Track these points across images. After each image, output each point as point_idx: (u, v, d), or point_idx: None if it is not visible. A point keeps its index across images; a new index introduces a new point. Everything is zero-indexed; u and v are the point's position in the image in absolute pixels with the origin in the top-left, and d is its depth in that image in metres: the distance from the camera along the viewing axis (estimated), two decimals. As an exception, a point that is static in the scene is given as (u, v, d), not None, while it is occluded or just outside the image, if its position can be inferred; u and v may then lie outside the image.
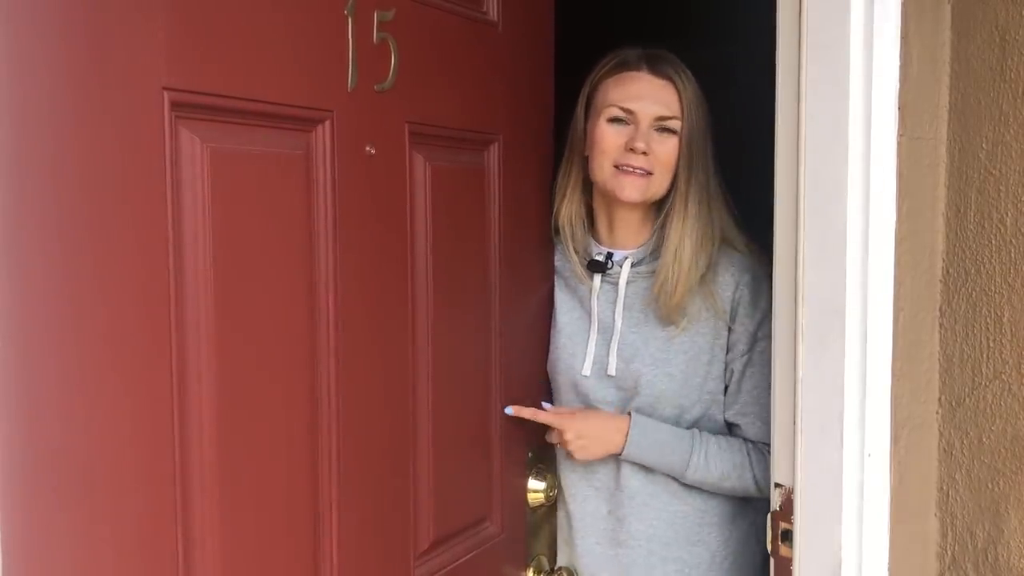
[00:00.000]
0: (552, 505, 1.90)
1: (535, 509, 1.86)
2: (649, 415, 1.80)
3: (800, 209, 1.32)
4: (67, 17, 0.93)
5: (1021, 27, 1.25)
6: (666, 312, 1.77)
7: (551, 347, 1.88)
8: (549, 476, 1.86)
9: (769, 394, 1.73)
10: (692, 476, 1.78)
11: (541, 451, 1.86)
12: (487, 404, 1.70)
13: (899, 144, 1.29)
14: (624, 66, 1.79)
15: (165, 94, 1.03)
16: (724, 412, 1.83)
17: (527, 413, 1.77)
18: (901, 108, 1.29)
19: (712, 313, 1.79)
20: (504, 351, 1.72)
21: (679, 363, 1.79)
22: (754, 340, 1.79)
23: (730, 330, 1.79)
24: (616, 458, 1.81)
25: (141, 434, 1.03)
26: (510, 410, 1.75)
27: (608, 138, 1.76)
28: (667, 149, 1.75)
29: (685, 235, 1.76)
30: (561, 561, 1.93)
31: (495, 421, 1.71)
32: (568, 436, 1.78)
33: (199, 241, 1.10)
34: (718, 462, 1.77)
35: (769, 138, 1.36)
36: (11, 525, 0.90)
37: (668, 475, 1.81)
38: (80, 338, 0.96)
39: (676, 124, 1.75)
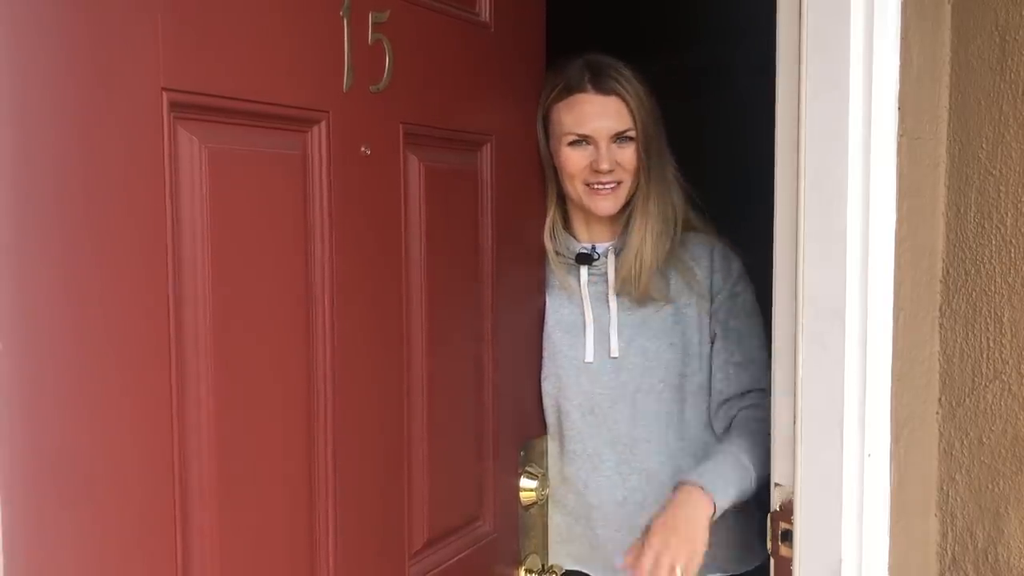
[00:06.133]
0: (544, 503, 1.90)
1: (527, 508, 1.86)
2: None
3: (800, 209, 1.31)
4: (67, 18, 0.93)
5: (1021, 27, 1.25)
6: (639, 296, 1.87)
7: (548, 344, 1.91)
8: (541, 475, 1.87)
9: (752, 341, 1.87)
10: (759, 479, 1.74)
11: (532, 450, 1.87)
12: (480, 403, 1.70)
13: (899, 144, 1.29)
14: (570, 90, 1.82)
15: (164, 95, 1.03)
16: (712, 362, 1.88)
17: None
18: (901, 108, 1.28)
19: (692, 289, 1.88)
20: (498, 349, 1.73)
21: (678, 332, 1.87)
22: (734, 294, 1.90)
23: (712, 298, 1.89)
24: (623, 444, 1.87)
25: (141, 435, 1.03)
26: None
27: (573, 162, 1.83)
28: (629, 155, 1.83)
29: (647, 232, 1.86)
30: (556, 560, 1.94)
31: (488, 420, 1.72)
32: (664, 558, 1.65)
33: (198, 240, 1.10)
34: (757, 451, 1.76)
35: (769, 138, 1.36)
36: (12, 526, 0.90)
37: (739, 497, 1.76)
38: (80, 338, 0.96)
39: (632, 132, 1.82)
